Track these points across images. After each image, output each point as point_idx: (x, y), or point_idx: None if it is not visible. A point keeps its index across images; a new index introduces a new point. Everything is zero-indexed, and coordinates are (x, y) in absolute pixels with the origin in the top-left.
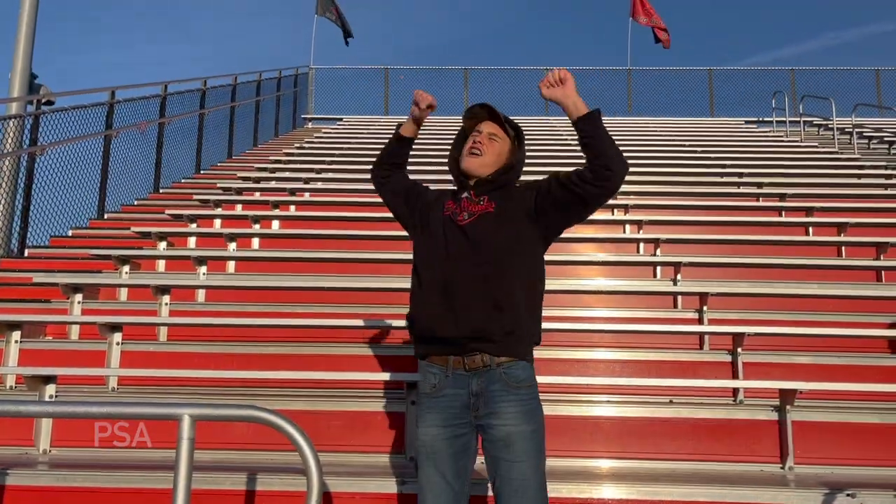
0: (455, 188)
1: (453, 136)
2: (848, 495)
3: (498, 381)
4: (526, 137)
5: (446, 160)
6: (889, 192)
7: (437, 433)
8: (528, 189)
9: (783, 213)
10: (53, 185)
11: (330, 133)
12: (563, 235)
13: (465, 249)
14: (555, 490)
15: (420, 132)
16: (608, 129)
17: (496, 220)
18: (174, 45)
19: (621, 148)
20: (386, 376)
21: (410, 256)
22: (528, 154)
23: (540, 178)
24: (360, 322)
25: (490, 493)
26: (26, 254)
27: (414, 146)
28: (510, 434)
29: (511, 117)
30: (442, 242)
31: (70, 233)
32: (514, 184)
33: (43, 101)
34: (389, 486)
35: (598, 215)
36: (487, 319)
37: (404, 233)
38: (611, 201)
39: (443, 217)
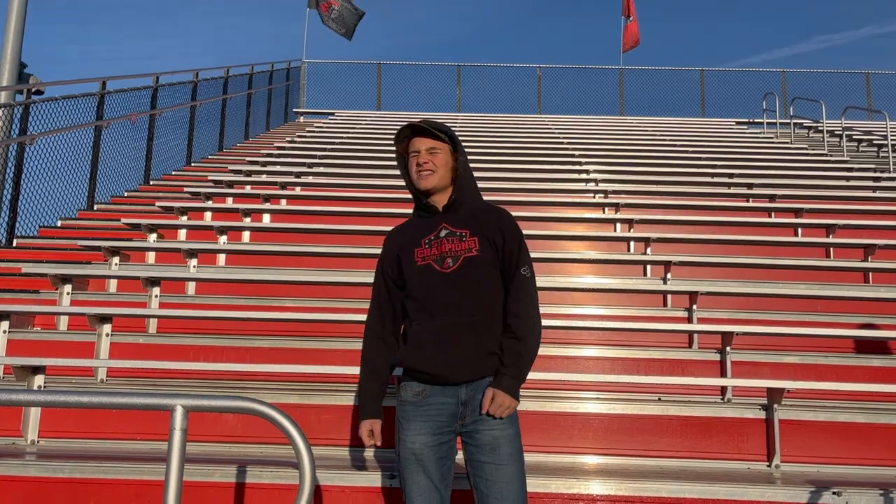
0: (419, 213)
1: None
2: (834, 493)
3: (484, 390)
4: (518, 135)
5: None
6: (877, 194)
7: (425, 441)
8: (497, 229)
9: (772, 213)
10: (43, 175)
11: (322, 127)
12: (553, 233)
13: (454, 300)
14: (543, 486)
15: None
16: (601, 126)
17: (480, 264)
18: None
19: (614, 147)
20: None
21: None
22: (521, 150)
23: (532, 175)
24: (350, 316)
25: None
26: (15, 244)
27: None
28: (497, 438)
29: (504, 114)
30: (428, 294)
31: (59, 223)
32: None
33: (33, 90)
34: (378, 481)
35: (589, 213)
36: (483, 365)
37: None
38: (602, 200)
39: (420, 266)
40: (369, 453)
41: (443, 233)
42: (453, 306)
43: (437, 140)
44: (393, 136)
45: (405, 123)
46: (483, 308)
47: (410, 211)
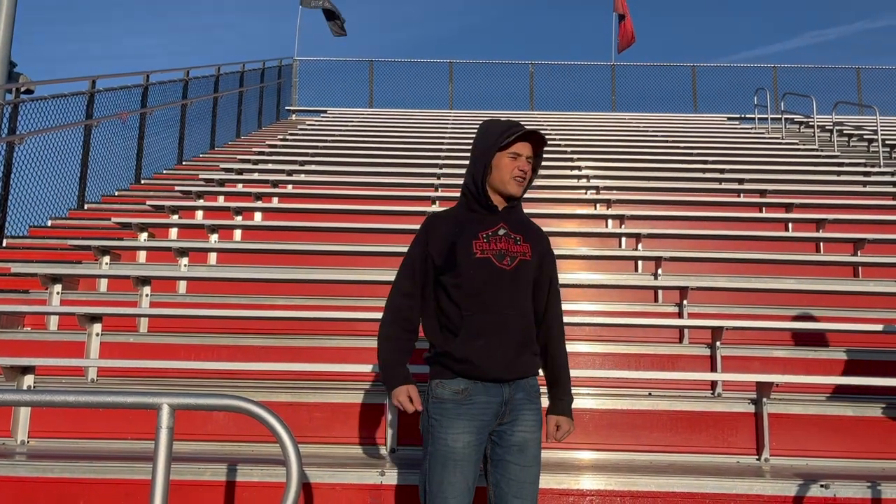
0: (472, 208)
1: (436, 129)
2: (822, 486)
3: (522, 390)
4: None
5: (425, 151)
6: (868, 189)
7: (468, 440)
8: (546, 251)
9: (763, 209)
10: (32, 174)
11: (314, 125)
12: (545, 229)
13: (510, 296)
14: None
15: (404, 122)
16: (593, 122)
17: (532, 270)
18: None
19: (605, 143)
20: (367, 368)
21: (391, 249)
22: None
23: None
24: (341, 314)
25: None
26: (4, 244)
27: (396, 136)
28: (527, 440)
29: (497, 111)
30: (484, 287)
31: (49, 223)
32: None
33: (22, 89)
34: (368, 478)
35: (580, 210)
36: (528, 365)
37: (386, 226)
38: (593, 196)
39: (479, 259)
40: (361, 451)
41: (501, 231)
42: (508, 303)
43: (537, 151)
44: (385, 134)
45: (514, 124)
46: (530, 310)
47: (403, 209)
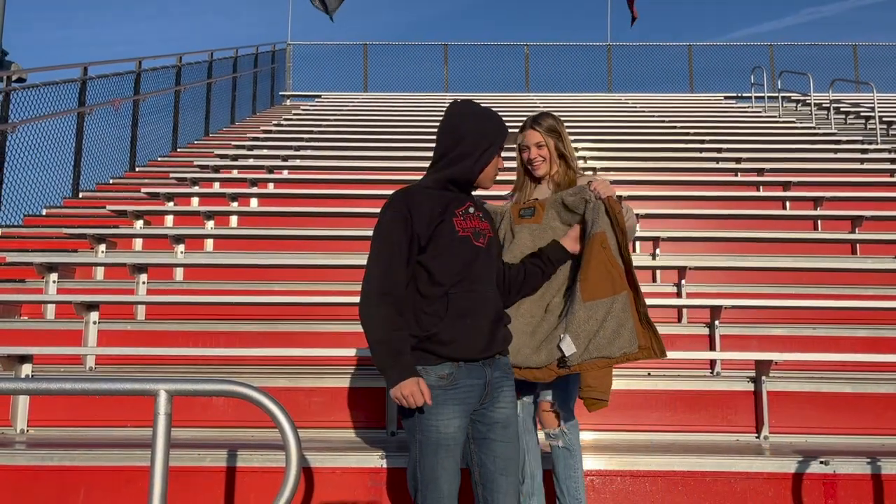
0: (446, 186)
1: (431, 112)
2: (821, 462)
3: (499, 369)
4: (506, 113)
5: (422, 134)
6: (865, 166)
7: (459, 424)
8: (495, 221)
9: (761, 187)
10: (26, 163)
11: (308, 110)
12: None
13: (487, 273)
14: None
15: (399, 105)
16: (589, 103)
17: (496, 243)
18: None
19: (602, 123)
20: (366, 352)
21: None
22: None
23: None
24: (338, 299)
25: None
26: None
27: (391, 119)
28: (508, 416)
29: (493, 92)
30: (466, 266)
31: (44, 212)
32: None
33: (14, 77)
34: (369, 461)
35: None
36: (508, 336)
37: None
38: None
39: (461, 237)
40: (361, 434)
41: (471, 209)
42: (487, 280)
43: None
44: (380, 118)
45: (502, 124)
46: (495, 283)
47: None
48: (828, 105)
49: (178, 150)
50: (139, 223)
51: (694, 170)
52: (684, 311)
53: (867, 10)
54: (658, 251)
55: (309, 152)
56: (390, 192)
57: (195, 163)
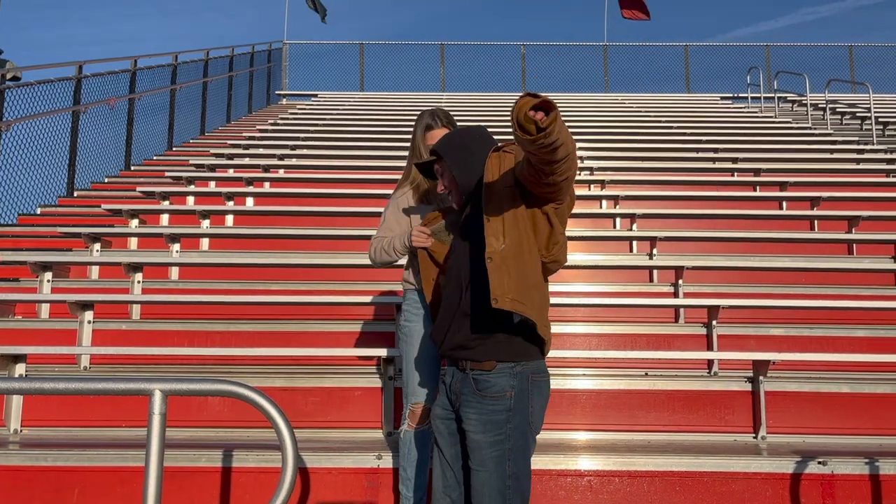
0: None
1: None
2: (819, 463)
3: (467, 386)
4: (503, 114)
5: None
6: (861, 166)
7: (437, 412)
8: None
9: (757, 187)
10: (20, 162)
11: (304, 109)
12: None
13: None
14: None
15: (395, 105)
16: (586, 103)
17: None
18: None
19: (599, 123)
20: (362, 352)
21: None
22: (506, 129)
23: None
24: (335, 299)
25: None
26: None
27: (387, 119)
28: (473, 441)
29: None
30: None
31: (39, 211)
32: None
33: (9, 76)
34: (365, 461)
35: (575, 190)
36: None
37: (378, 209)
38: (588, 177)
39: None
40: (357, 435)
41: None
42: None
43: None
44: (376, 117)
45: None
46: None
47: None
48: (824, 106)
49: (174, 148)
50: (134, 222)
51: (691, 170)
52: (681, 311)
53: (864, 11)
54: (655, 251)
55: (305, 151)
56: (386, 191)
57: (191, 162)
